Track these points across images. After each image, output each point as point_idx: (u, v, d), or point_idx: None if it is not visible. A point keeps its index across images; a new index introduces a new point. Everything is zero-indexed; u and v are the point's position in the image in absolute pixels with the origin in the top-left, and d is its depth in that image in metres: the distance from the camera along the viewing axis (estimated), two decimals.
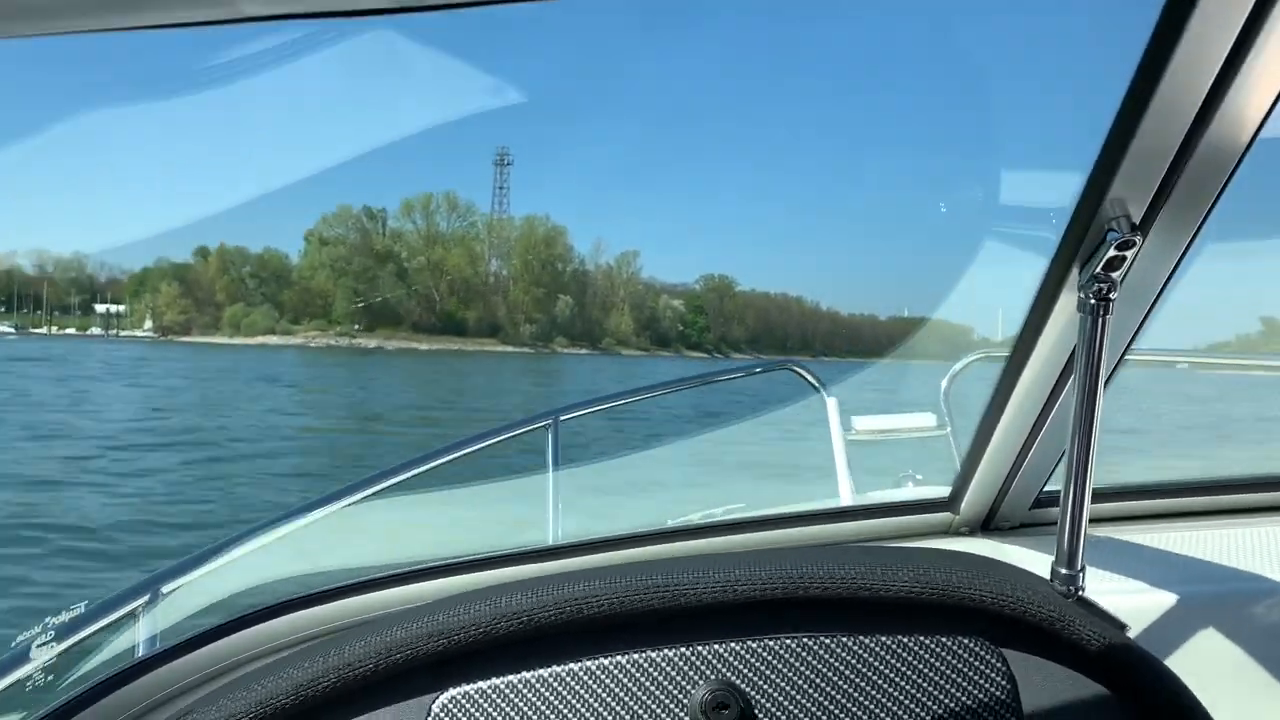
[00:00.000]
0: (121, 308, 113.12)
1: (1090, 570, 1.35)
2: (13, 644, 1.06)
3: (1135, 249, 1.16)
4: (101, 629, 1.32)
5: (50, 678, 1.14)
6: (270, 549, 1.62)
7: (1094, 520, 1.37)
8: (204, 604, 1.53)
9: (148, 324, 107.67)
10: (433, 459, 1.93)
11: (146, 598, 1.40)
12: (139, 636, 1.33)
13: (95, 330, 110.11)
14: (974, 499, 1.71)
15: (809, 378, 2.82)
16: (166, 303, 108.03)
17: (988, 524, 1.76)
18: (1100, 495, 1.35)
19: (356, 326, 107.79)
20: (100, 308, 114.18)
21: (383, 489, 1.79)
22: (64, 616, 1.13)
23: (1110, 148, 1.13)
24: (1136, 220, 1.16)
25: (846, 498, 2.25)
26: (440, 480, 1.98)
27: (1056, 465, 1.62)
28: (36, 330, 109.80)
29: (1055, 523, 1.46)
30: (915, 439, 2.13)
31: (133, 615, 1.37)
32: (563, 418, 2.09)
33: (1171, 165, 1.11)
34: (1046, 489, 1.72)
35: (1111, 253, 1.16)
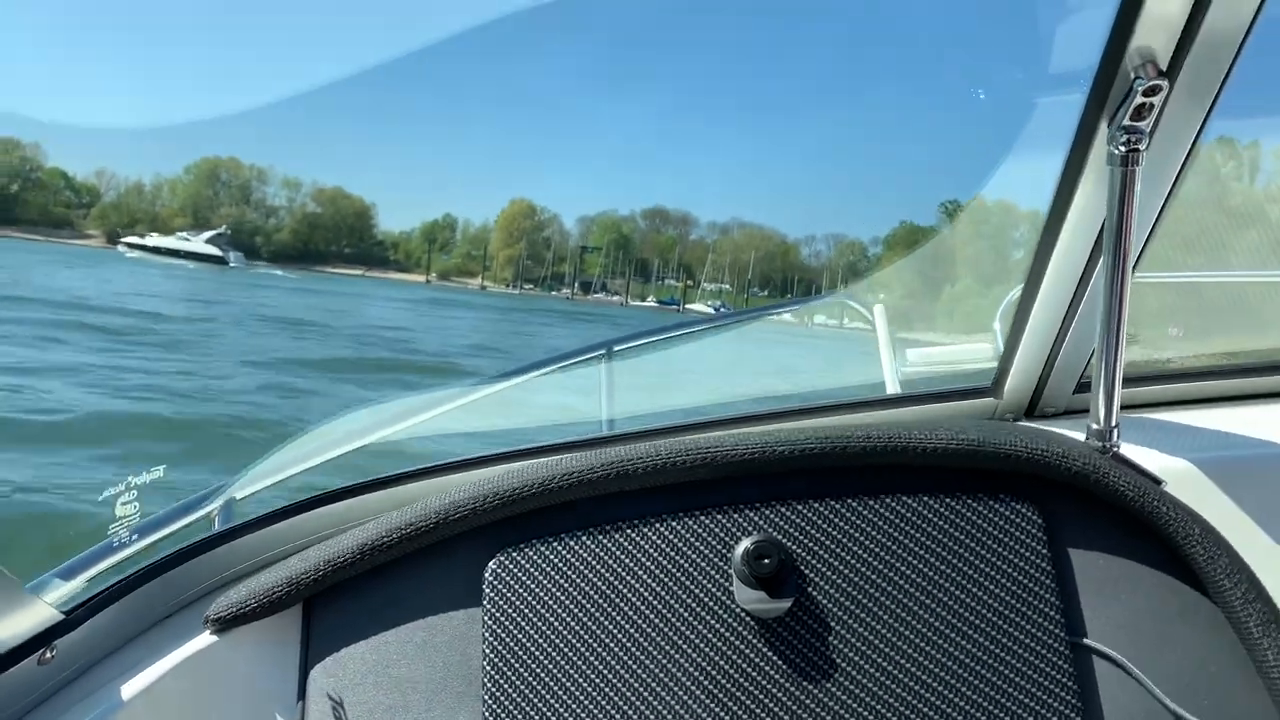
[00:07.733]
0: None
1: (1124, 444, 1.35)
2: (100, 498, 1.15)
3: (1163, 94, 1.15)
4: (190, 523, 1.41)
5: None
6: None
7: (1126, 406, 1.36)
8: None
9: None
10: (498, 382, 2.10)
11: (221, 501, 1.50)
12: (217, 509, 1.43)
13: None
14: (1016, 383, 1.70)
15: (856, 306, 2.88)
16: None
17: (1031, 410, 1.75)
18: (1132, 380, 1.35)
19: None
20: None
21: (456, 406, 2.00)
22: (145, 478, 1.22)
23: None
24: (1163, 66, 1.15)
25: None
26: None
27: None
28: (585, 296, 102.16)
29: None
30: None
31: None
32: (615, 348, 2.28)
33: (1196, 4, 1.09)
34: (1089, 373, 1.70)
35: (1139, 99, 1.15)
